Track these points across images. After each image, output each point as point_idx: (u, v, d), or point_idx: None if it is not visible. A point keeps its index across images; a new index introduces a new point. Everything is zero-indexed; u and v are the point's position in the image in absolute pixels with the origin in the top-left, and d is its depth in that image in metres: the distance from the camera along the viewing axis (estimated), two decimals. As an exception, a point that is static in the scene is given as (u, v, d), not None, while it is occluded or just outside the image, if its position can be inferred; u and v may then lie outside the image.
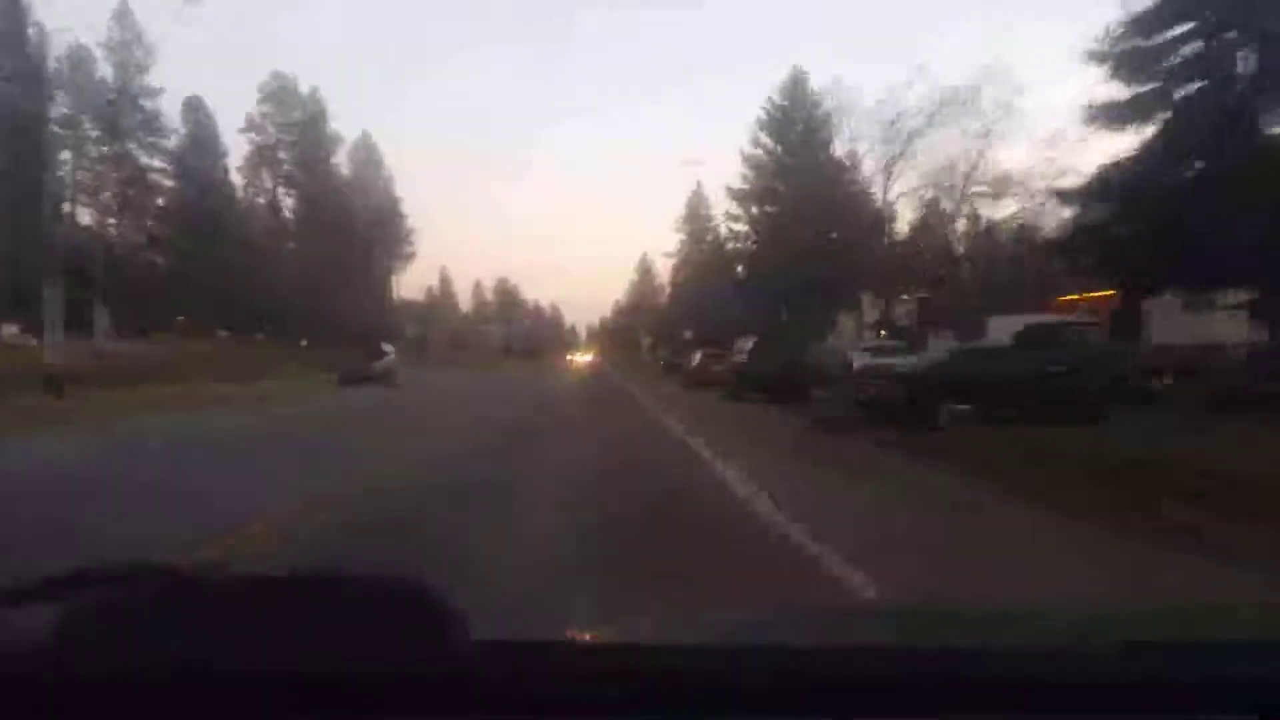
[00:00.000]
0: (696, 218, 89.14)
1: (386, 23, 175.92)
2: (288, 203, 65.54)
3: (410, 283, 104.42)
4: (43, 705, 0.90)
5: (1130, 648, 1.07)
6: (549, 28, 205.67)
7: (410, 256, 77.99)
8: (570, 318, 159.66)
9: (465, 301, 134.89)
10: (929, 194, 24.56)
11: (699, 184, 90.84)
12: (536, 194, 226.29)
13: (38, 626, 0.92)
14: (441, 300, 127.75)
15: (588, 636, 1.27)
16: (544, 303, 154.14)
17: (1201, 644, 1.12)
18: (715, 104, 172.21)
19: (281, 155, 59.52)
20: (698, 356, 31.97)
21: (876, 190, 24.76)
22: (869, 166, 25.40)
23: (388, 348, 37.93)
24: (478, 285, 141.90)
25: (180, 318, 62.03)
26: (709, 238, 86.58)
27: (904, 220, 26.66)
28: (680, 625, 1.39)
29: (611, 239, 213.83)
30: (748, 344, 25.68)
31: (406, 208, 76.85)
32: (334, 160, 66.12)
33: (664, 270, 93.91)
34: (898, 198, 24.82)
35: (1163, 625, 1.37)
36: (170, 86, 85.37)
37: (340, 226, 66.29)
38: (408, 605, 0.93)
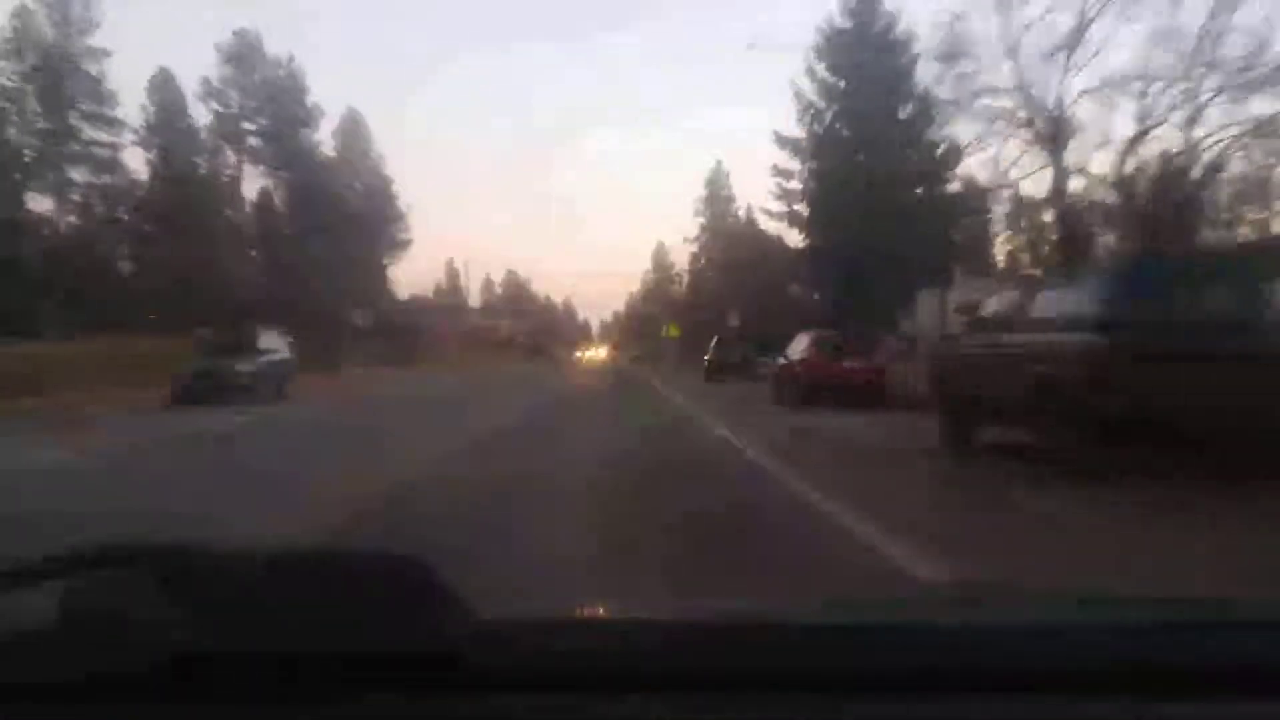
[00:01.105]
0: (718, 199, 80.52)
1: (389, 12, 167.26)
2: (260, 184, 56.40)
3: (418, 280, 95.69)
4: (44, 686, 0.88)
5: (1119, 630, 1.04)
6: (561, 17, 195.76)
7: (405, 244, 69.45)
8: (584, 314, 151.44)
9: (475, 297, 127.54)
10: (1134, 93, 14.68)
11: (719, 163, 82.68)
12: (548, 191, 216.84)
13: (38, 607, 0.90)
14: (449, 295, 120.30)
15: (591, 613, 1.23)
16: (556, 298, 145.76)
17: (1191, 624, 1.07)
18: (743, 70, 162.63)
19: (246, 126, 50.52)
20: (803, 348, 18.20)
21: (1046, 96, 15.16)
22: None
23: (270, 340, 22.64)
24: (487, 280, 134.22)
25: (153, 315, 54.28)
26: (730, 220, 78.19)
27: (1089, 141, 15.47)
28: (686, 604, 1.40)
29: (625, 234, 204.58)
30: (1094, 298, 6.95)
31: (404, 194, 67.77)
32: (315, 136, 57.01)
33: (682, 259, 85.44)
34: (1074, 103, 15.32)
35: (1154, 609, 1.27)
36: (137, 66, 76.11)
37: (321, 208, 57.76)
38: (410, 583, 0.91)
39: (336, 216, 59.33)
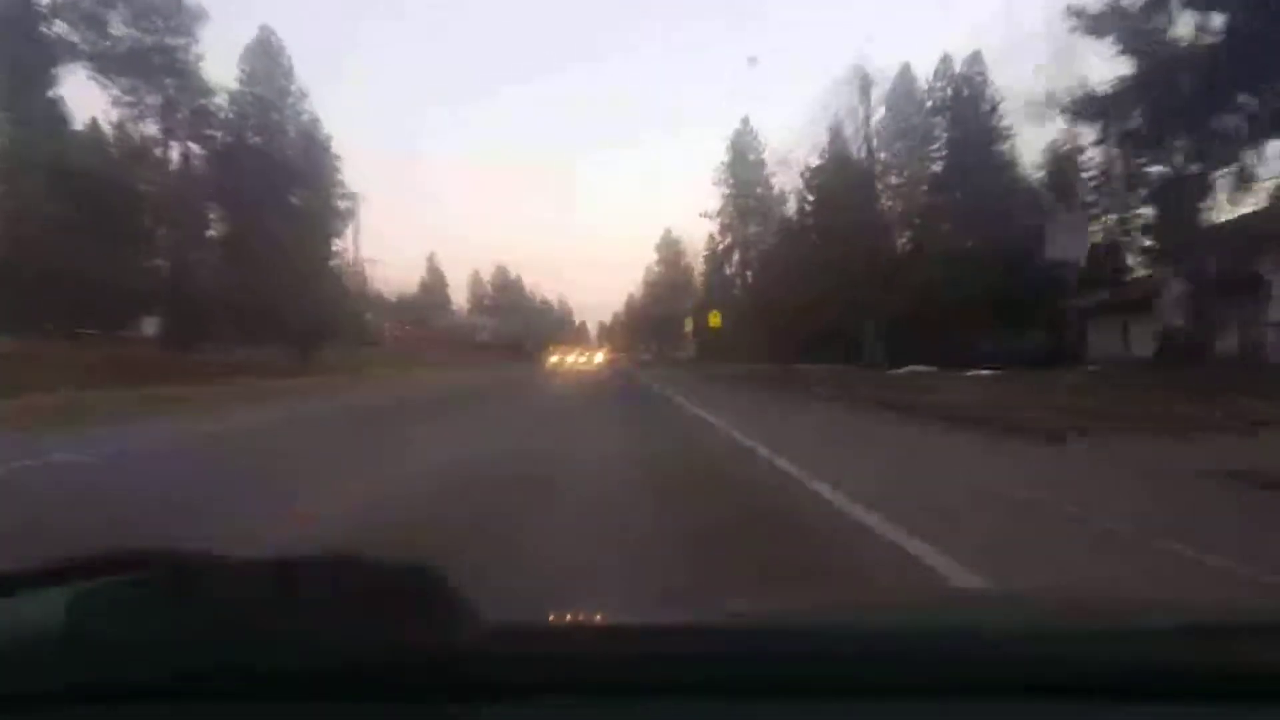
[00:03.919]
0: (744, 164, 62.16)
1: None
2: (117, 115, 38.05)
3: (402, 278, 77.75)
4: (49, 692, 0.86)
5: (1103, 635, 1.02)
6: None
7: (347, 216, 50.94)
8: (582, 316, 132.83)
9: (463, 295, 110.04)
10: None
11: (745, 120, 64.22)
12: (545, 186, 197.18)
13: (44, 612, 0.87)
14: (432, 293, 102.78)
15: (599, 618, 1.19)
16: (552, 297, 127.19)
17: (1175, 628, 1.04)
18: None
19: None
20: None
21: None
22: None
23: None
24: (475, 276, 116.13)
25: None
26: (759, 190, 60.02)
27: None
28: (694, 609, 1.33)
29: (626, 233, 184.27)
30: None
31: (349, 157, 48.89)
32: (196, 50, 38.36)
33: (696, 244, 67.04)
34: None
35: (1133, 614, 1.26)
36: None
37: (219, 156, 39.55)
38: (416, 589, 0.88)
39: (238, 167, 40.92)
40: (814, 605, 1.39)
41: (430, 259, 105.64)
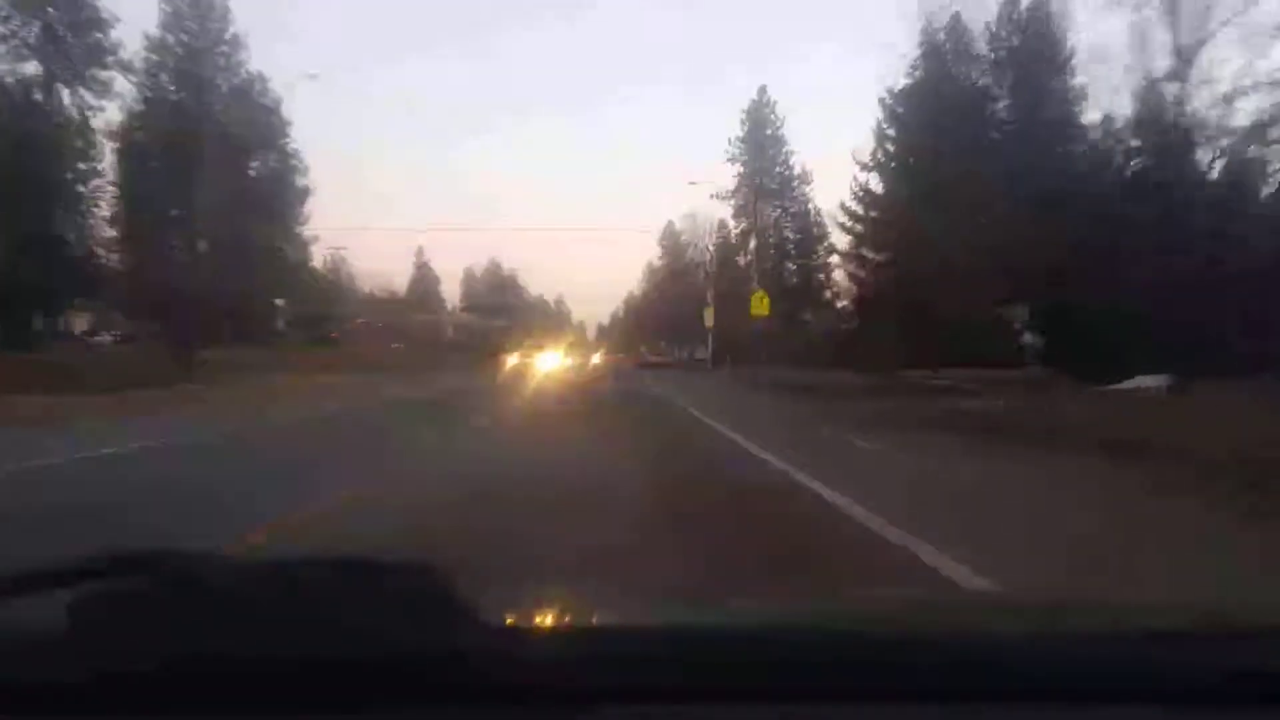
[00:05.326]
0: (762, 139, 53.72)
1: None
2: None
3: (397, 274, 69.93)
4: (51, 693, 0.85)
5: (1097, 638, 0.99)
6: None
7: (303, 193, 42.58)
8: (580, 316, 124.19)
9: (457, 293, 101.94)
10: None
11: (762, 90, 55.73)
12: (543, 189, 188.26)
13: (48, 614, 0.86)
14: (424, 288, 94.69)
15: (603, 620, 1.16)
16: (550, 298, 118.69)
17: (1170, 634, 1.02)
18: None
19: None
20: None
21: None
22: None
23: None
24: (468, 273, 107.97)
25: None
26: (778, 168, 51.87)
27: None
28: (693, 611, 1.31)
29: (626, 236, 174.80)
30: None
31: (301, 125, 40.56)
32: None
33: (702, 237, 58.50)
34: None
35: (1138, 616, 1.23)
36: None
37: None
38: (420, 590, 0.87)
39: (141, 118, 32.58)
40: (815, 608, 1.35)
41: (418, 254, 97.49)
